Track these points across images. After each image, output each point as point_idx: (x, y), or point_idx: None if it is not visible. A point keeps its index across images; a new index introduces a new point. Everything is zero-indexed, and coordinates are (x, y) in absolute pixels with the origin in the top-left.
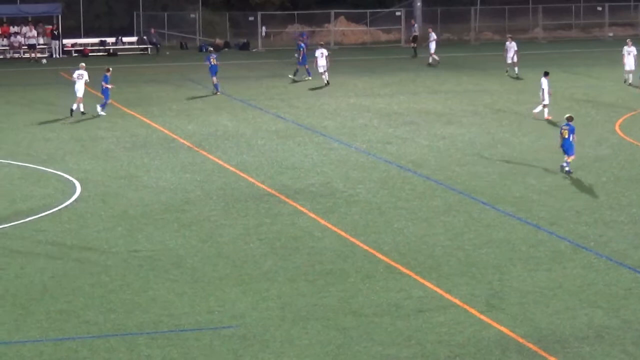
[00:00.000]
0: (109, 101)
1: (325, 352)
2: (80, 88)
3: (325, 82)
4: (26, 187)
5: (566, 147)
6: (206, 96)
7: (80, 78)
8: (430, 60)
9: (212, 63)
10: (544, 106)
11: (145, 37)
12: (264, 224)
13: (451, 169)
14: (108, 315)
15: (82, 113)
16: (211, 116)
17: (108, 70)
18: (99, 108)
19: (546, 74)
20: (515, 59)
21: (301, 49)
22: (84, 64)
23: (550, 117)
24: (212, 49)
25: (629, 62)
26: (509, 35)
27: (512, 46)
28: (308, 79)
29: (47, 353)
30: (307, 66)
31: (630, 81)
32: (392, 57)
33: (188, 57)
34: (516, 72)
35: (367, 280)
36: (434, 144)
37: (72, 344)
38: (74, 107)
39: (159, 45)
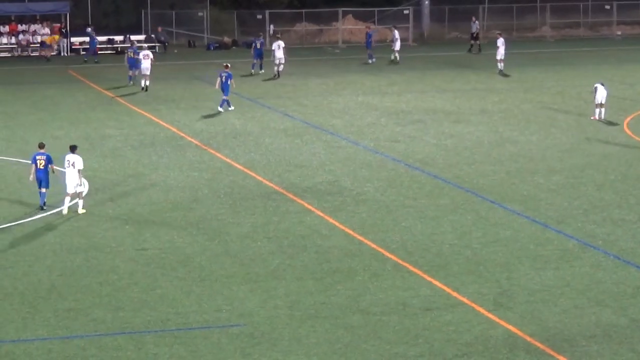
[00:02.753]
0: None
1: (333, 350)
2: (148, 66)
3: (275, 74)
4: (34, 185)
5: None
6: (215, 94)
7: (147, 57)
8: (393, 57)
9: (130, 56)
10: (598, 106)
11: (153, 36)
12: (272, 222)
13: (459, 168)
14: (116, 313)
15: (146, 89)
16: (219, 114)
17: (227, 66)
18: (227, 107)
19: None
20: (503, 56)
21: (254, 44)
22: (146, 45)
23: (594, 117)
24: (136, 42)
25: None
26: (498, 32)
27: (501, 42)
28: (252, 72)
29: (55, 351)
30: (256, 61)
31: None
32: (400, 56)
33: (196, 56)
34: (500, 68)
35: (375, 278)
36: (442, 143)
37: (80, 342)
38: (145, 83)
39: (166, 44)
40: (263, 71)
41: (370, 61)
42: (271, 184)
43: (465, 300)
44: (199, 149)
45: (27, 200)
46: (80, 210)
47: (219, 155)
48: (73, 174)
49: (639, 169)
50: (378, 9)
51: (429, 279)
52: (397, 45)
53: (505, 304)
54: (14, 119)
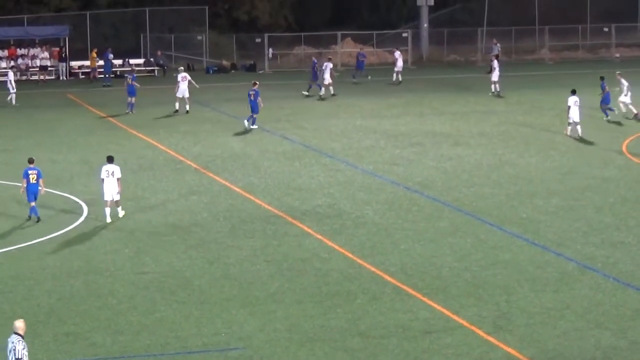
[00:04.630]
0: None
1: None
2: (185, 88)
3: (320, 94)
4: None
5: None
6: (213, 118)
7: (185, 80)
8: (395, 78)
9: (129, 83)
10: (571, 124)
11: (152, 59)
12: (271, 245)
13: (458, 190)
14: (115, 337)
15: (187, 112)
16: (218, 138)
17: (255, 83)
18: (246, 123)
19: (573, 92)
20: (498, 78)
21: (314, 65)
22: (183, 67)
23: (565, 133)
24: (132, 68)
25: None
26: (494, 54)
27: (496, 65)
28: (305, 93)
29: None
30: (317, 82)
31: None
32: (400, 77)
33: (195, 79)
34: (495, 90)
35: (374, 301)
36: (441, 165)
37: None
38: (187, 107)
39: (165, 67)
40: (322, 91)
41: (355, 79)
42: (270, 207)
43: (464, 323)
44: (197, 173)
45: (26, 224)
46: (121, 213)
47: (217, 178)
48: (113, 183)
49: (638, 191)
50: (377, 32)
51: (428, 301)
52: (398, 66)
53: (504, 327)
54: (13, 143)
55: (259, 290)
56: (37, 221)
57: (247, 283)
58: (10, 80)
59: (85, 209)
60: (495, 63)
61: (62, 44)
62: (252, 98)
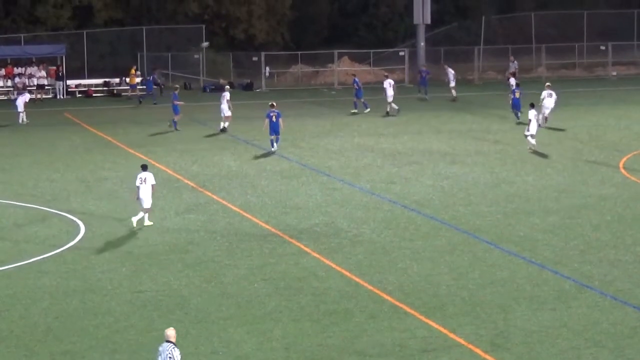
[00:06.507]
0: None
1: None
2: (225, 108)
3: (387, 111)
4: (30, 228)
5: None
6: (210, 136)
7: (223, 99)
8: (455, 93)
9: (174, 103)
10: (531, 136)
11: (149, 78)
12: (268, 264)
13: (455, 209)
14: (112, 356)
15: (222, 130)
16: (215, 156)
17: (273, 105)
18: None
19: (532, 106)
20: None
21: (354, 84)
22: (229, 87)
23: (530, 148)
24: (177, 86)
25: None
26: (510, 72)
27: (513, 83)
28: (366, 111)
29: None
30: (363, 99)
31: None
32: (396, 97)
33: (192, 98)
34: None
35: (372, 320)
36: (438, 184)
37: None
38: (225, 125)
39: (162, 86)
40: (369, 110)
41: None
42: (267, 226)
43: (462, 341)
44: (195, 191)
45: (23, 242)
46: (148, 222)
47: (215, 197)
48: (147, 190)
49: (635, 209)
50: (374, 50)
51: (425, 320)
52: (453, 82)
53: (502, 345)
54: (11, 162)
55: (257, 308)
56: None
57: (245, 302)
58: (18, 105)
59: (82, 227)
60: (512, 80)
61: (59, 63)
62: (274, 120)
